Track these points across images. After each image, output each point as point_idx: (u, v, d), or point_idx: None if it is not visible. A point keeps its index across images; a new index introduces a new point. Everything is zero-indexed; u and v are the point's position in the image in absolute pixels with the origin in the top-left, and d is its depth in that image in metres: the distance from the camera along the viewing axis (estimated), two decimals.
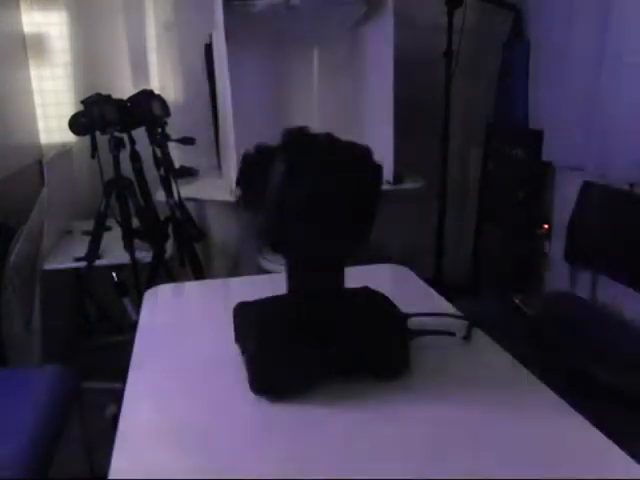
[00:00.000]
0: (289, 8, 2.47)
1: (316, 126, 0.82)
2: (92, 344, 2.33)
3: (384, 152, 2.47)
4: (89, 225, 2.09)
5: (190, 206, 2.24)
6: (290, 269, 0.84)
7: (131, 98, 1.96)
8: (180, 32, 2.77)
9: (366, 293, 0.93)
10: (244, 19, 2.38)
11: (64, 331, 2.23)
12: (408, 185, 2.64)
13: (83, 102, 1.93)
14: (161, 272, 2.08)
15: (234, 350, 0.93)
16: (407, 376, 0.86)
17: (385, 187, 2.50)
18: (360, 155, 0.80)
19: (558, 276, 2.44)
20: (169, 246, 2.14)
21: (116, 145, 1.94)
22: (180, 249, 2.15)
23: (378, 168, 0.80)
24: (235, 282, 1.44)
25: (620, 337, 1.88)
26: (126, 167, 2.01)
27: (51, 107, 2.71)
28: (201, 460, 0.72)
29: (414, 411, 0.81)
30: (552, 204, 2.55)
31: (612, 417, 1.00)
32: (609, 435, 0.73)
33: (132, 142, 1.99)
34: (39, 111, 2.71)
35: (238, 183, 0.82)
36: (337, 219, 0.78)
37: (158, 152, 2.00)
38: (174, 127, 2.05)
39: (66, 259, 2.24)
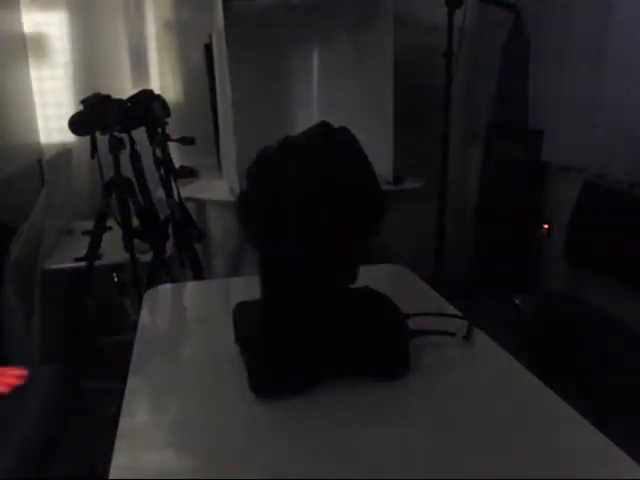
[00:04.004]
0: (289, 8, 2.48)
1: None
2: (92, 344, 2.32)
3: (384, 152, 2.48)
4: (89, 225, 2.09)
5: (190, 206, 2.24)
6: (289, 269, 0.84)
7: (131, 98, 1.96)
8: (180, 32, 2.77)
9: (366, 293, 0.93)
10: (244, 19, 2.38)
11: (64, 331, 2.22)
12: (408, 185, 2.65)
13: (83, 102, 1.93)
14: (161, 272, 2.08)
15: (234, 350, 0.93)
16: (407, 376, 0.86)
17: (385, 187, 2.51)
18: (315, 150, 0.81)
19: (558, 276, 2.44)
20: (169, 246, 2.14)
21: (116, 145, 1.94)
22: (180, 249, 2.15)
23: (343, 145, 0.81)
24: (235, 282, 1.44)
25: (619, 337, 1.88)
26: (126, 167, 2.01)
27: (51, 107, 2.71)
28: (201, 460, 0.72)
29: (414, 411, 0.81)
30: (552, 204, 2.55)
31: (612, 417, 1.00)
32: (609, 435, 0.73)
33: (132, 142, 1.99)
34: (39, 111, 2.71)
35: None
36: (320, 217, 0.78)
37: (158, 152, 1.99)
38: (174, 127, 2.05)
39: (66, 259, 2.24)
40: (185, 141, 2.09)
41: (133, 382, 0.89)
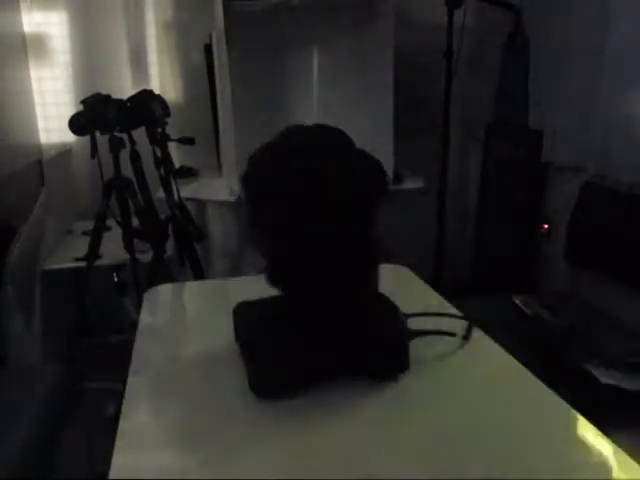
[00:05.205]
0: (289, 8, 2.48)
1: None
2: (92, 344, 2.32)
3: (384, 152, 2.48)
4: (89, 225, 2.09)
5: (190, 206, 2.24)
6: (290, 269, 0.84)
7: (131, 98, 1.96)
8: (180, 32, 2.77)
9: (366, 293, 0.93)
10: (244, 19, 2.38)
11: (64, 331, 2.22)
12: (408, 185, 2.65)
13: (83, 102, 1.93)
14: (161, 272, 2.08)
15: (234, 350, 0.93)
16: (407, 376, 0.86)
17: None
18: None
19: (558, 276, 2.44)
20: (169, 246, 2.15)
21: (116, 145, 1.94)
22: (180, 249, 2.15)
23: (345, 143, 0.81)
24: (235, 282, 1.44)
25: (619, 337, 1.88)
26: (126, 167, 2.01)
27: (51, 107, 2.70)
28: (201, 460, 0.72)
29: (414, 411, 0.81)
30: (552, 204, 2.55)
31: (612, 417, 1.00)
32: (609, 434, 0.73)
33: (132, 142, 1.99)
34: (39, 111, 2.71)
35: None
36: (320, 219, 0.78)
37: (158, 152, 2.00)
38: (174, 127, 2.05)
39: (66, 259, 2.24)
40: (185, 141, 2.09)
41: (133, 382, 0.89)
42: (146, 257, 2.10)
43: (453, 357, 0.93)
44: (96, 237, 2.04)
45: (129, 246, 2.05)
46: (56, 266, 2.25)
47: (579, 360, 1.70)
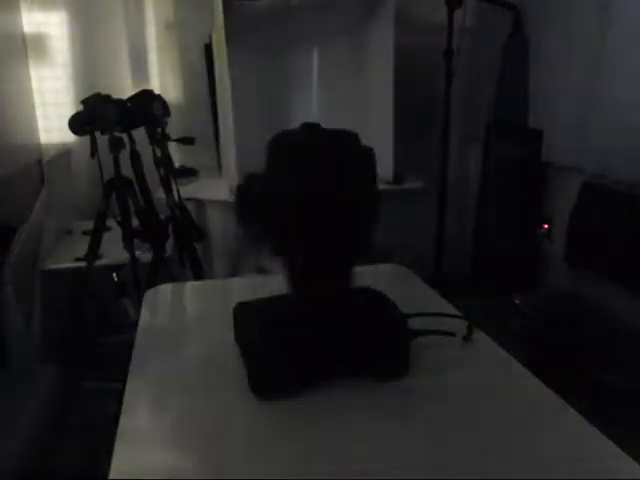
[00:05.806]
0: (289, 8, 2.48)
1: None
2: (92, 344, 2.32)
3: (384, 152, 2.48)
4: (89, 225, 2.09)
5: (190, 206, 2.24)
6: (290, 270, 0.84)
7: (131, 98, 1.96)
8: (180, 32, 2.77)
9: (366, 293, 0.93)
10: (244, 19, 2.38)
11: (64, 331, 2.22)
12: (408, 185, 2.65)
13: (83, 102, 1.93)
14: (161, 272, 2.08)
15: (234, 350, 0.93)
16: (407, 376, 0.86)
17: (385, 187, 2.51)
18: (345, 143, 0.81)
19: (558, 276, 2.44)
20: (169, 246, 2.15)
21: (116, 145, 1.94)
22: (180, 249, 2.15)
23: (369, 151, 0.81)
24: (235, 282, 1.44)
25: (619, 336, 1.88)
26: (126, 167, 2.01)
27: (51, 107, 2.71)
28: (201, 460, 0.72)
29: (414, 411, 0.81)
30: (552, 204, 2.55)
31: (612, 417, 1.00)
32: (609, 434, 0.73)
33: (132, 142, 1.99)
34: (39, 111, 2.71)
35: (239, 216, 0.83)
36: (332, 217, 0.78)
37: (158, 152, 2.00)
38: (174, 127, 2.06)
39: (66, 259, 2.24)
40: (185, 141, 2.09)
41: (133, 382, 0.89)
42: (146, 257, 2.10)
43: (453, 357, 0.93)
44: (96, 237, 2.04)
45: (129, 246, 2.05)
46: (56, 266, 2.25)
47: (579, 360, 1.70)
